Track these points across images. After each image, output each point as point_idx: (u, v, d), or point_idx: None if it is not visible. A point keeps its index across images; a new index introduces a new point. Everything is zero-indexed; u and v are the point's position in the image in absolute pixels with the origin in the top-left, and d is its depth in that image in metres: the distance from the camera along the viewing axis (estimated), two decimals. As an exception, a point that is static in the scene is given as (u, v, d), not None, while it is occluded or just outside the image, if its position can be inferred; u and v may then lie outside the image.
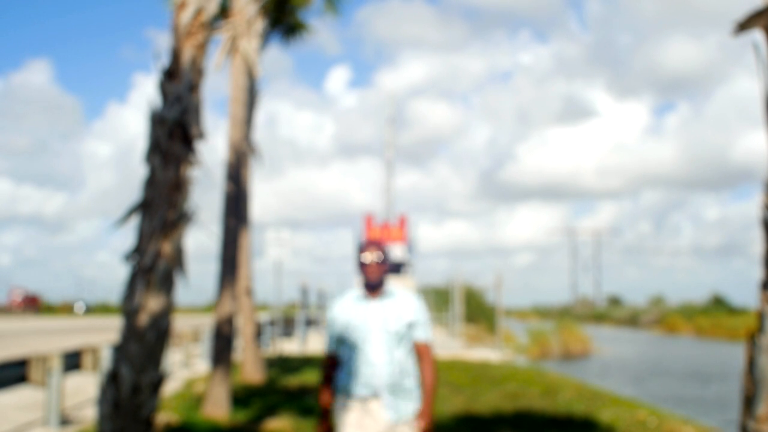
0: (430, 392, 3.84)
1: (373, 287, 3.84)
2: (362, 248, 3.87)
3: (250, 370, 13.08)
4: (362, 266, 3.82)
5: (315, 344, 22.81)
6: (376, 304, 3.82)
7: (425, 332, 3.89)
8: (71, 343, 18.68)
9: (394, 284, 4.00)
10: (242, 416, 9.28)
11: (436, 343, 8.03)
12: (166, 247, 5.29)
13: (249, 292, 13.56)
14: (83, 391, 11.43)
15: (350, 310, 3.84)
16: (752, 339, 4.66)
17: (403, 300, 3.87)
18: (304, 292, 25.98)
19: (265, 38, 13.89)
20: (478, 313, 35.63)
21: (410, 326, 3.82)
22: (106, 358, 9.64)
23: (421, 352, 3.89)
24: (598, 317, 64.79)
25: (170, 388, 12.13)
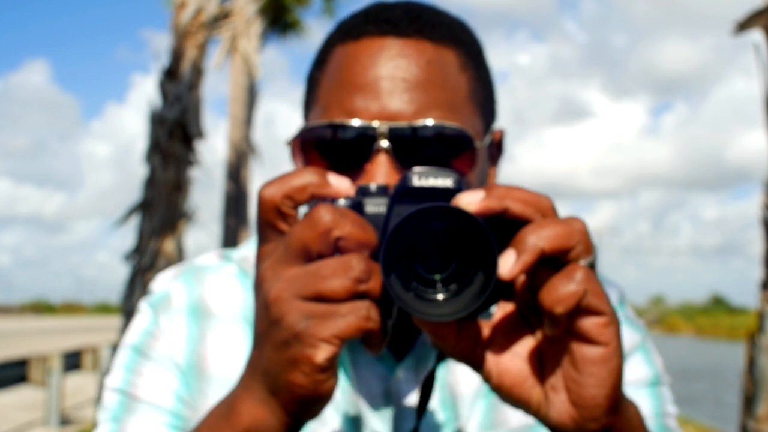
0: None
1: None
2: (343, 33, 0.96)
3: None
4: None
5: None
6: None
7: None
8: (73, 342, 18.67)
9: None
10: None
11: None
12: (166, 247, 5.30)
13: (249, 292, 13.57)
14: (83, 391, 11.42)
15: None
16: (752, 339, 4.67)
17: None
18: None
19: (264, 38, 13.91)
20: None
21: None
22: (106, 358, 9.64)
23: None
24: (598, 317, 64.73)
25: (170, 388, 12.12)
